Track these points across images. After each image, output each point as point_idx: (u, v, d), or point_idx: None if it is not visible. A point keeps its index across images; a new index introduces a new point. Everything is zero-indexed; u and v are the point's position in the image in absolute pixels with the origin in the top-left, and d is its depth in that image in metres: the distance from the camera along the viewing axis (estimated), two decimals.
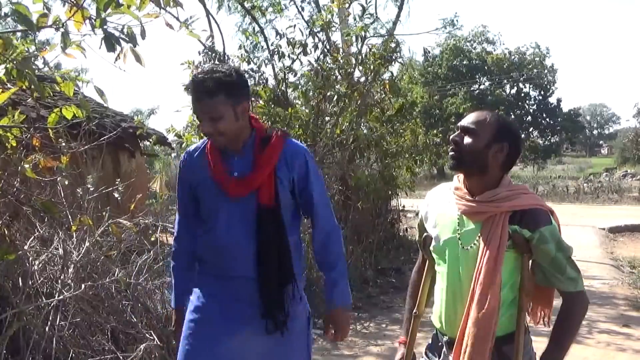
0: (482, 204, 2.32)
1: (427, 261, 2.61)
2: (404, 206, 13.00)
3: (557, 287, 2.33)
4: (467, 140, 2.34)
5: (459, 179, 2.46)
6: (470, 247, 2.33)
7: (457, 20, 34.82)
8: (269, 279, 2.62)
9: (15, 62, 2.66)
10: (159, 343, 4.68)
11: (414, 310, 2.61)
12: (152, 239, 6.00)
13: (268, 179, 2.61)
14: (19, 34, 2.63)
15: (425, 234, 2.59)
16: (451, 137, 2.40)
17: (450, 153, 2.39)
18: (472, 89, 43.72)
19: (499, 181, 2.35)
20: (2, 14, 2.67)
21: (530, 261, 2.37)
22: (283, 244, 2.65)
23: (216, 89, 2.46)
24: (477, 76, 44.32)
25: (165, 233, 6.02)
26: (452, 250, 2.40)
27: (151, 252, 5.59)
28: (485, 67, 43.92)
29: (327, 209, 2.78)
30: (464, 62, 44.24)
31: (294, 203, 2.74)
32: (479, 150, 2.31)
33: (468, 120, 2.38)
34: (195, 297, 2.76)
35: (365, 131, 9.21)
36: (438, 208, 2.52)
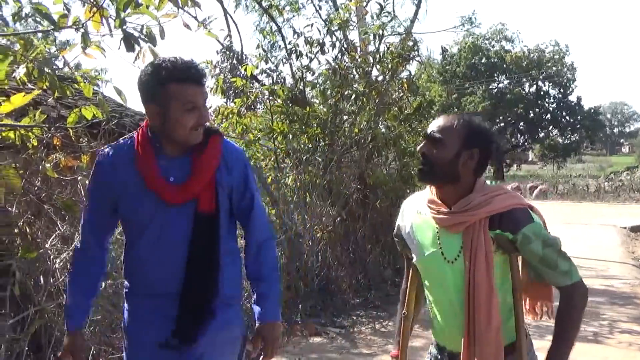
0: (458, 215, 2.21)
1: (411, 267, 2.51)
2: None
3: (552, 282, 2.25)
4: (435, 150, 2.22)
5: (431, 190, 2.33)
6: (455, 259, 2.23)
7: (475, 18, 34.70)
8: (192, 291, 2.36)
9: (35, 62, 2.68)
10: None
11: (403, 311, 2.53)
12: None
13: (209, 184, 2.37)
14: (39, 34, 2.67)
15: (404, 247, 2.47)
16: (418, 148, 2.29)
17: (419, 166, 2.28)
18: (490, 87, 43.52)
19: (473, 186, 2.24)
20: (23, 15, 2.70)
21: (520, 259, 2.31)
22: (215, 253, 2.40)
23: (204, 78, 2.35)
24: (495, 74, 44.09)
25: None
26: (437, 265, 2.29)
27: None
28: (504, 65, 43.66)
29: (263, 216, 2.58)
30: (483, 60, 44.02)
31: (231, 209, 2.49)
32: (448, 161, 2.20)
33: (434, 128, 2.26)
34: (130, 324, 2.49)
35: (383, 130, 9.19)
36: (415, 221, 2.40)
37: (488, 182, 2.35)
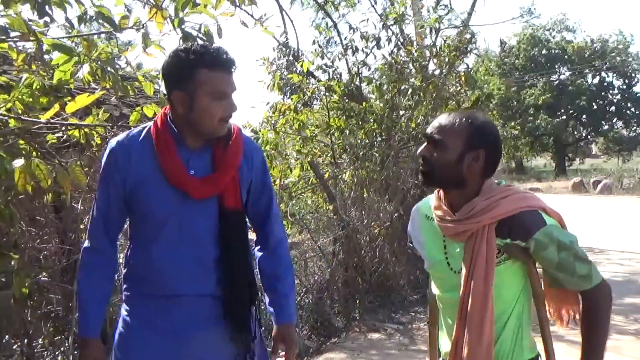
0: (461, 223, 2.03)
1: None
2: None
3: (572, 288, 2.05)
4: (436, 153, 2.04)
5: (438, 194, 2.16)
6: (460, 270, 2.06)
7: (534, 9, 34.04)
8: (238, 295, 2.26)
9: (99, 62, 2.76)
10: None
11: (427, 319, 2.44)
12: None
13: (233, 180, 2.25)
14: (102, 35, 2.74)
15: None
16: (419, 150, 2.12)
17: (420, 169, 2.12)
18: (551, 79, 42.56)
19: (480, 190, 2.05)
20: (87, 17, 2.78)
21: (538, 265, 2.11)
22: (248, 250, 2.32)
23: (234, 65, 2.19)
24: (556, 66, 43.09)
25: None
26: (444, 274, 2.15)
27: None
28: (565, 57, 42.62)
29: (279, 216, 2.47)
30: (543, 52, 43.09)
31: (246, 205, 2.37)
32: (450, 164, 2.02)
33: (434, 128, 2.06)
34: (127, 328, 2.30)
35: None
36: (424, 227, 2.25)
37: (503, 181, 2.15)
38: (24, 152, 2.98)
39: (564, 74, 43.78)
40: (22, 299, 3.18)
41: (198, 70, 2.09)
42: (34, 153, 3.02)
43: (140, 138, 2.23)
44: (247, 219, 2.37)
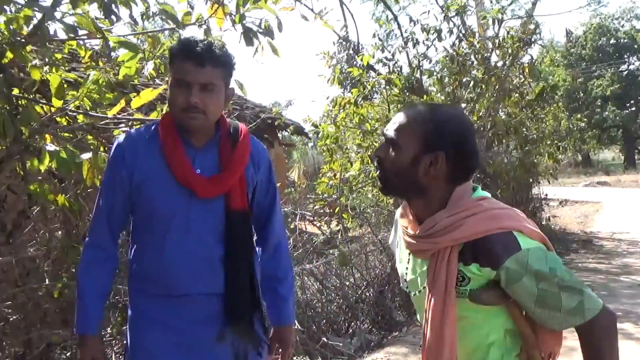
0: (420, 240, 1.74)
1: None
2: (546, 195, 12.58)
3: (561, 328, 1.67)
4: (391, 155, 1.73)
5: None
6: (419, 291, 1.81)
7: None
8: (240, 294, 2.22)
9: (162, 58, 2.82)
10: (299, 327, 4.82)
11: None
12: (291, 226, 6.19)
13: (239, 180, 2.23)
14: (166, 32, 2.80)
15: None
16: (375, 150, 1.82)
17: (376, 173, 1.82)
18: (620, 69, 41.21)
19: (447, 199, 1.71)
20: (150, 14, 2.85)
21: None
22: (252, 252, 2.30)
23: (220, 61, 2.12)
24: (625, 56, 41.69)
25: (304, 221, 6.17)
26: (412, 294, 1.88)
27: (290, 239, 5.76)
28: (635, 46, 41.17)
29: (281, 217, 2.45)
30: (611, 42, 41.75)
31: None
32: (403, 168, 1.70)
33: (391, 124, 1.76)
34: (137, 327, 2.28)
35: (503, 117, 8.97)
36: (400, 236, 1.93)
37: (478, 189, 1.79)
38: (91, 147, 3.07)
39: (633, 63, 42.36)
40: None
41: (174, 61, 2.13)
42: (101, 148, 3.11)
43: (148, 134, 2.23)
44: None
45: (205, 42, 2.15)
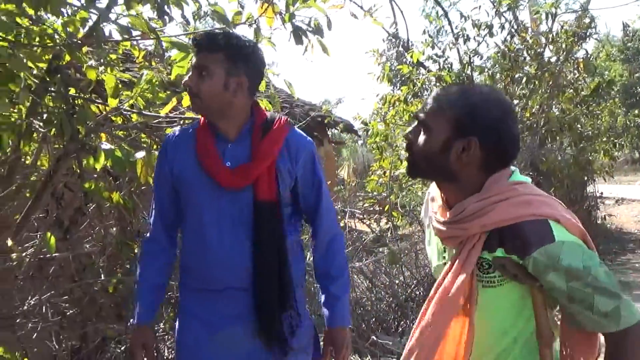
0: (450, 227, 1.63)
1: None
2: (601, 193, 12.29)
3: (591, 328, 1.53)
4: (421, 137, 1.63)
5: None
6: None
7: None
8: (267, 289, 2.18)
9: None
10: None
11: None
12: (341, 224, 6.19)
13: (268, 171, 2.18)
14: (216, 32, 2.83)
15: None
16: (405, 131, 1.72)
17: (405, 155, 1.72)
18: None
19: (481, 187, 1.60)
20: (202, 14, 2.88)
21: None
22: (282, 247, 2.21)
23: (219, 46, 2.14)
24: None
25: (353, 219, 6.17)
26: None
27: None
28: None
29: (331, 212, 2.36)
30: None
31: (293, 202, 2.31)
32: (433, 153, 1.60)
33: (423, 105, 1.66)
34: (180, 322, 2.34)
35: (557, 113, 8.79)
36: (431, 218, 1.80)
37: (517, 174, 1.66)
38: (145, 145, 3.13)
39: None
40: None
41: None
42: (154, 146, 3.16)
43: (190, 131, 2.30)
44: (284, 212, 2.25)
45: (215, 31, 2.23)
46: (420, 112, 1.65)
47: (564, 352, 1.63)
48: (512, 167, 1.66)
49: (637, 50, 40.52)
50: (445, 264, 1.70)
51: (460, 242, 1.62)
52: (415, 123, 1.67)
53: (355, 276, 5.68)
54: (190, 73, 2.18)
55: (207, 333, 2.22)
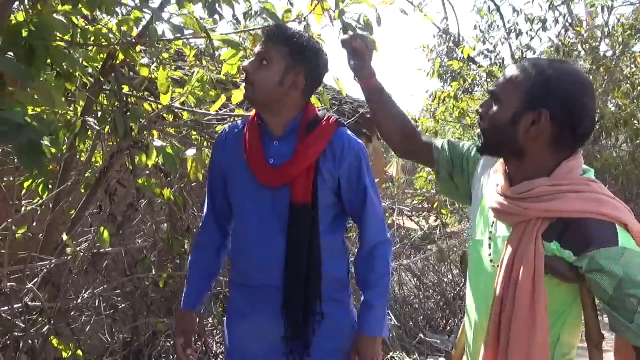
0: (510, 202, 1.58)
1: None
2: None
3: (623, 337, 1.47)
4: (492, 110, 1.61)
5: None
6: (498, 264, 1.61)
7: None
8: (295, 286, 2.14)
9: None
10: (396, 323, 4.81)
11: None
12: (389, 221, 6.16)
13: (307, 172, 2.12)
14: (289, 26, 2.83)
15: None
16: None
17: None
18: None
19: (552, 169, 1.55)
20: (252, 13, 2.90)
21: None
22: (315, 247, 2.14)
23: (287, 40, 2.10)
24: None
25: (402, 216, 6.14)
26: (478, 260, 1.72)
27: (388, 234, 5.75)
28: None
29: (377, 218, 2.21)
30: None
31: (338, 204, 2.22)
32: (502, 125, 1.57)
33: (498, 78, 1.64)
34: (227, 317, 2.36)
35: (612, 109, 8.60)
36: (485, 184, 1.76)
37: (590, 171, 1.62)
38: (195, 142, 3.17)
39: None
40: None
41: None
42: (205, 143, 3.20)
43: (240, 127, 2.28)
44: (320, 217, 2.16)
45: (287, 25, 2.18)
46: (493, 85, 1.63)
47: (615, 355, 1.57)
48: (587, 167, 1.63)
49: None
50: (490, 238, 1.68)
51: (517, 223, 1.57)
52: (488, 97, 1.65)
53: (403, 274, 5.66)
54: (252, 59, 2.16)
55: (250, 328, 2.23)
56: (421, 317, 5.41)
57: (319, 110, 2.27)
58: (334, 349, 2.21)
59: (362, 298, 2.22)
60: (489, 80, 8.12)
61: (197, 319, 2.33)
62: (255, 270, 2.19)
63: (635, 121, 8.91)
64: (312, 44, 2.16)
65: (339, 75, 3.06)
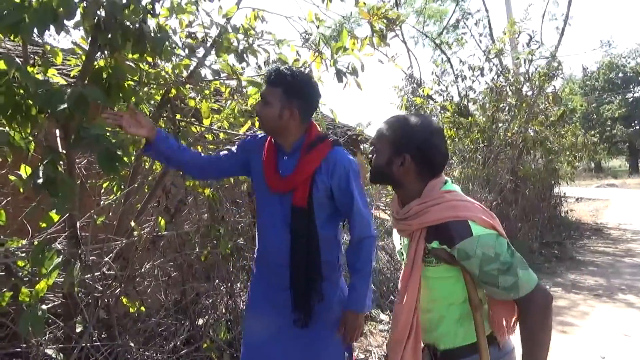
0: (400, 222, 1.66)
1: None
2: (564, 193, 12.03)
3: (500, 298, 1.54)
4: (374, 156, 1.67)
5: None
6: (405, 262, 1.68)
7: (612, 41, 30.88)
8: (298, 267, 2.10)
9: None
10: (373, 288, 4.78)
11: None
12: None
13: (304, 182, 2.08)
14: (282, 69, 2.84)
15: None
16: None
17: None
18: (627, 96, 38.43)
19: (421, 191, 1.61)
20: (270, 61, 2.89)
21: None
22: (313, 238, 2.09)
23: (279, 82, 2.07)
24: (631, 86, 38.80)
25: (378, 210, 6.11)
26: (402, 263, 1.77)
27: None
28: (639, 78, 38.26)
29: (364, 216, 2.12)
30: (619, 75, 38.93)
31: (331, 205, 2.14)
32: (382, 167, 1.63)
33: (375, 132, 1.69)
34: (251, 284, 2.33)
35: (532, 134, 8.61)
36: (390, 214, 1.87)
37: (449, 183, 1.65)
38: None
39: (638, 92, 39.36)
40: (227, 255, 3.38)
41: None
42: None
43: (261, 141, 2.24)
44: (316, 215, 2.11)
45: (281, 68, 2.09)
46: (372, 138, 1.68)
47: (490, 314, 1.61)
48: (446, 178, 1.66)
49: (594, 86, 39.30)
50: (401, 246, 1.76)
51: (409, 234, 1.63)
52: (372, 146, 1.70)
53: (379, 252, 5.64)
54: (259, 102, 2.15)
55: (266, 297, 2.21)
56: (392, 284, 5.38)
57: (320, 131, 2.24)
58: (327, 319, 2.14)
59: (350, 280, 2.15)
60: (442, 112, 8.13)
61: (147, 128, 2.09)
62: (270, 253, 2.18)
63: (548, 143, 8.94)
64: (303, 81, 2.10)
65: (334, 107, 3.06)
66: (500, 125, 8.32)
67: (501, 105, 8.14)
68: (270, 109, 2.07)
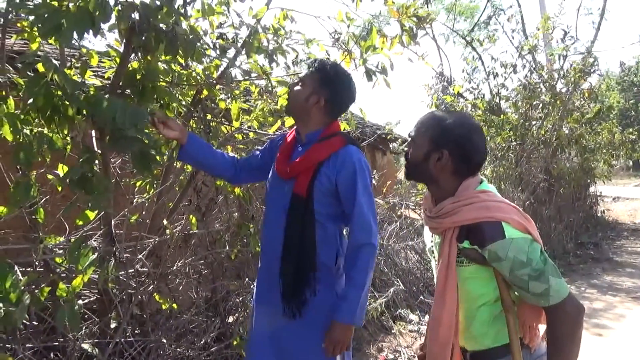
0: (431, 220, 1.63)
1: None
2: (601, 192, 11.71)
3: (531, 303, 1.51)
4: (411, 151, 1.65)
5: None
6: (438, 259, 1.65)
7: None
8: (289, 255, 2.03)
9: None
10: (403, 288, 4.76)
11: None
12: (398, 213, 6.12)
13: (307, 170, 2.04)
14: (328, 60, 2.84)
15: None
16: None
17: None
18: None
19: (456, 189, 1.58)
20: (299, 60, 2.90)
21: None
22: (308, 229, 2.02)
23: (320, 70, 2.10)
24: None
25: (408, 209, 6.07)
26: (432, 261, 1.76)
27: (397, 222, 5.70)
28: None
29: (365, 221, 1.99)
30: None
31: (334, 203, 2.06)
32: (418, 162, 1.61)
33: (414, 127, 1.67)
34: (257, 275, 2.28)
35: (566, 131, 8.41)
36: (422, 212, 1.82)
37: (484, 183, 1.62)
38: None
39: None
40: (257, 254, 3.40)
41: None
42: None
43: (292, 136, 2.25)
44: (314, 207, 2.05)
45: (326, 59, 2.15)
46: (411, 132, 1.67)
47: (520, 316, 1.58)
48: (482, 177, 1.63)
49: (632, 82, 38.10)
50: (432, 244, 1.74)
51: (440, 232, 1.61)
52: (409, 140, 1.68)
53: (409, 252, 5.60)
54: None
55: (264, 285, 2.20)
56: (422, 284, 5.34)
57: (343, 131, 2.22)
58: (315, 321, 2.05)
59: (343, 289, 2.03)
60: (473, 110, 8.01)
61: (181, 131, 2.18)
62: (269, 243, 2.16)
63: (583, 140, 8.72)
64: (341, 78, 2.13)
65: (363, 106, 3.05)
66: (533, 123, 8.15)
67: (534, 103, 7.97)
68: (301, 89, 2.12)
